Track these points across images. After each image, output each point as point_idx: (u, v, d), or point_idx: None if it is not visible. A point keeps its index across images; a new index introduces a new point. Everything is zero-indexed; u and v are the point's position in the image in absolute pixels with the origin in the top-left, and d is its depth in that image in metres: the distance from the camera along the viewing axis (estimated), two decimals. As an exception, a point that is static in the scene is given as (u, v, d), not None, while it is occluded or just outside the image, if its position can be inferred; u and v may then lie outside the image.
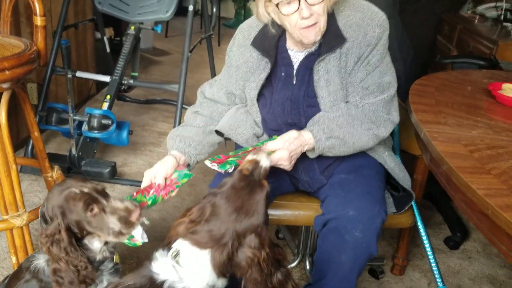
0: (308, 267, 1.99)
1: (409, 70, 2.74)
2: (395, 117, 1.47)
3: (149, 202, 1.34)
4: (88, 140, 2.56)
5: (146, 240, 1.24)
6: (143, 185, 1.40)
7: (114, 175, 2.53)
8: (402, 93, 1.85)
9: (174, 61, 4.95)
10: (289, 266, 2.02)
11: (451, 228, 2.35)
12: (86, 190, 1.21)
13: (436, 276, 1.73)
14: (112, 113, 2.47)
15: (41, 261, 1.31)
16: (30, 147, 2.61)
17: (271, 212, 1.59)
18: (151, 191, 1.36)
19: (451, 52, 3.24)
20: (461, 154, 1.16)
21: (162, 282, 1.08)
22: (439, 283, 1.74)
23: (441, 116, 1.42)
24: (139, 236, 1.23)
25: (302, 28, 1.34)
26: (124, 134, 2.51)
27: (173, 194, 1.41)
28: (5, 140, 1.67)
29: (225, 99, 1.61)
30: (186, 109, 2.16)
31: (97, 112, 2.42)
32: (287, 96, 1.48)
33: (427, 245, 1.75)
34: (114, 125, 2.42)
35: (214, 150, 1.62)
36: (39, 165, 2.07)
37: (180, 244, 1.12)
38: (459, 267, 2.14)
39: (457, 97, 1.61)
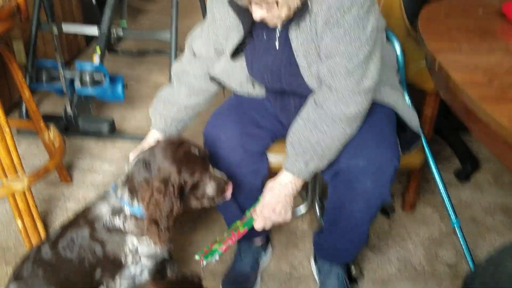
0: (318, 211, 1.96)
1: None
2: (369, 82, 1.23)
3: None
4: (82, 97, 2.47)
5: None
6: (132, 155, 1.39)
7: (114, 131, 2.47)
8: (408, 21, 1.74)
9: (163, 8, 4.72)
10: (300, 213, 1.99)
11: (461, 160, 2.30)
12: (202, 153, 1.27)
13: (450, 211, 1.70)
14: (104, 67, 2.36)
15: (103, 210, 1.30)
16: (24, 108, 2.52)
17: (270, 158, 1.49)
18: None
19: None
20: (480, 83, 1.09)
21: None
22: (452, 218, 1.71)
23: (454, 43, 1.32)
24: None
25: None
26: (119, 88, 2.41)
27: None
28: (-6, 103, 1.60)
29: (213, 54, 1.45)
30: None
31: (88, 66, 2.32)
32: (268, 67, 1.33)
33: (440, 184, 1.70)
34: (107, 79, 2.32)
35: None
36: (33, 127, 2.00)
37: None
38: (471, 199, 2.12)
39: (469, 22, 1.51)
